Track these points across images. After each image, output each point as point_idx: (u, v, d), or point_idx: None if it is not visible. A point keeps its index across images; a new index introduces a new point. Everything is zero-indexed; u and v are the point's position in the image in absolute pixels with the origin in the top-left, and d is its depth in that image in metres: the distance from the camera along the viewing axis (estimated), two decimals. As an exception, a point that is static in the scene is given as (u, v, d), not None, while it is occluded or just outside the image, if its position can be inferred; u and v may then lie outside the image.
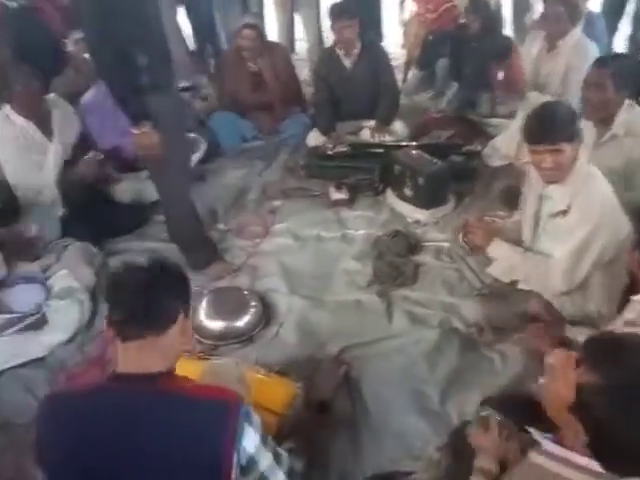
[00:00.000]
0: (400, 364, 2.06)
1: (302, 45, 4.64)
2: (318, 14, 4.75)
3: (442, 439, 1.68)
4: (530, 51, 3.32)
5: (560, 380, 0.99)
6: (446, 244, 2.68)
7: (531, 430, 1.07)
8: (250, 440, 1.15)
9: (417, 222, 2.88)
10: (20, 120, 2.65)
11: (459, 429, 1.46)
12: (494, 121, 3.64)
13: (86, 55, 3.14)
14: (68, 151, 2.77)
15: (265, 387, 1.76)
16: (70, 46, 3.25)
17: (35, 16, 3.51)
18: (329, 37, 4.52)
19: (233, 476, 1.11)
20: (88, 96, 3.08)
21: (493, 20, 3.88)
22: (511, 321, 2.06)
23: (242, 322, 2.22)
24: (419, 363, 2.05)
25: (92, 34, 2.08)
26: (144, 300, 1.15)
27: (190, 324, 1.29)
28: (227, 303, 2.31)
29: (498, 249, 2.18)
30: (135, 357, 1.15)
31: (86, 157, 2.81)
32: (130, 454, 1.10)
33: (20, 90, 2.60)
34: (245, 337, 2.21)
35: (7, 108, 2.64)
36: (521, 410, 1.25)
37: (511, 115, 3.38)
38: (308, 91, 3.98)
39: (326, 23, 4.69)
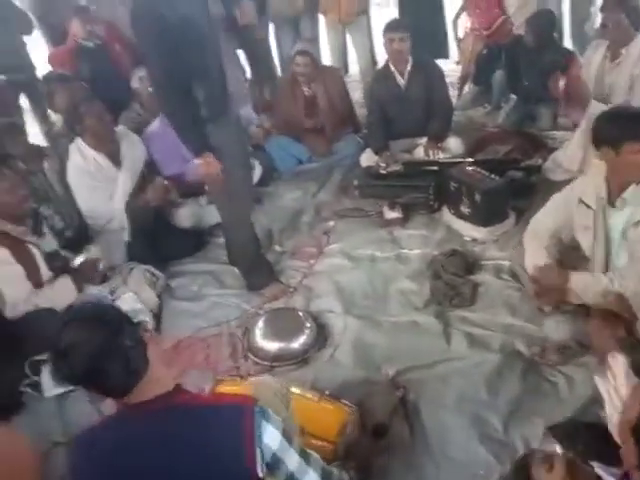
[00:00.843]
0: (459, 388, 1.99)
1: (355, 67, 4.69)
2: (370, 36, 4.80)
3: (505, 468, 1.61)
4: (592, 61, 3.19)
5: (628, 403, 0.92)
6: (506, 262, 2.58)
7: (596, 465, 1.00)
8: (271, 437, 1.16)
9: (475, 240, 2.80)
10: (92, 152, 2.82)
11: (523, 459, 1.39)
12: (555, 134, 3.52)
13: (150, 90, 3.34)
14: (135, 179, 2.92)
15: (317, 415, 1.74)
16: (135, 83, 3.45)
17: (106, 54, 3.76)
18: (382, 60, 4.58)
19: (260, 474, 1.12)
20: (153, 126, 3.24)
21: (552, 31, 3.77)
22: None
23: (297, 343, 2.23)
24: (479, 387, 1.98)
25: (155, 71, 2.19)
26: (103, 376, 1.11)
27: (158, 348, 1.28)
28: (283, 324, 2.33)
29: (581, 280, 1.95)
30: (136, 397, 1.16)
31: (153, 183, 2.94)
32: (161, 473, 1.13)
33: (92, 124, 2.77)
34: (300, 358, 2.21)
35: (79, 141, 2.82)
36: (588, 438, 1.17)
37: (573, 127, 3.25)
38: (361, 112, 4.01)
39: (379, 45, 4.77)
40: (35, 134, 3.90)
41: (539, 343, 2.10)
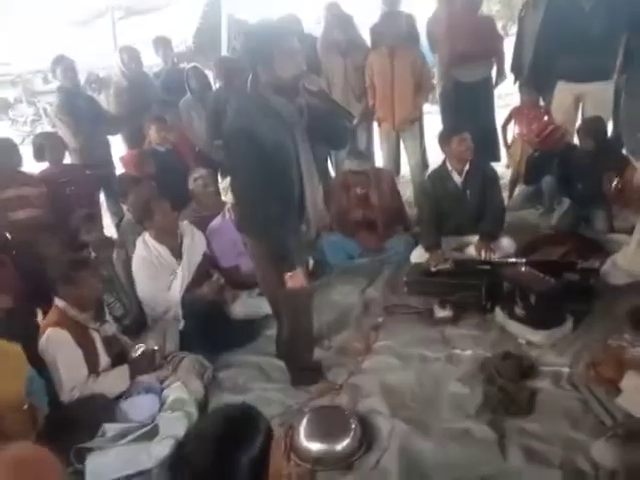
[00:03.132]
0: (516, 507, 1.83)
1: (406, 168, 4.86)
2: (422, 141, 5.02)
3: None
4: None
5: None
6: (565, 369, 2.45)
7: None
8: None
9: (530, 344, 2.69)
10: (156, 245, 3.01)
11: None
12: (612, 237, 3.43)
13: (210, 190, 3.59)
14: (193, 272, 3.06)
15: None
16: (190, 184, 3.71)
17: (175, 157, 4.10)
18: (433, 162, 4.74)
19: None
20: (214, 222, 3.45)
21: (606, 139, 3.81)
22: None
23: (341, 446, 2.14)
24: (539, 508, 1.81)
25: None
26: None
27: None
28: (327, 424, 2.26)
29: (635, 380, 1.92)
30: None
31: (211, 280, 3.09)
32: None
33: (159, 220, 3.00)
34: (344, 463, 2.11)
35: (146, 235, 3.03)
36: None
37: (630, 230, 3.17)
38: (411, 211, 4.10)
39: (430, 147, 4.96)
40: (107, 225, 4.20)
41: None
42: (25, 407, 1.97)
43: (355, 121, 4.25)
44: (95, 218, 3.45)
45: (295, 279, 2.25)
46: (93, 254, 3.27)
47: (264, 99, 2.13)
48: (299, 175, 2.25)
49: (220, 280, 3.13)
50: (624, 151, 3.80)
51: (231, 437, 1.17)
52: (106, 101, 4.84)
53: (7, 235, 3.29)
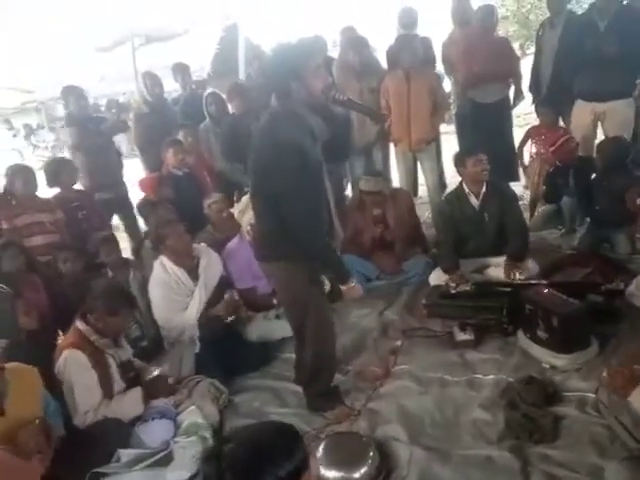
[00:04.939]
0: (542, 540, 1.75)
1: (423, 189, 4.84)
2: (440, 161, 5.00)
3: None
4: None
5: None
6: (591, 395, 2.36)
7: None
8: None
9: (554, 368, 2.61)
10: (173, 267, 3.01)
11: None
12: (636, 257, 3.35)
13: (224, 214, 3.60)
14: (209, 294, 3.05)
15: None
16: (205, 209, 3.71)
17: (192, 181, 4.14)
18: (451, 182, 4.71)
19: None
20: (231, 243, 3.45)
21: (624, 157, 3.76)
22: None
23: (359, 473, 2.08)
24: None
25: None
26: None
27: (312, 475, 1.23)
28: (344, 451, 2.20)
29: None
30: None
31: (225, 297, 3.05)
32: None
33: (173, 243, 3.01)
34: (362, 491, 2.05)
35: (164, 258, 3.04)
36: None
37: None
38: (429, 233, 4.06)
39: (447, 168, 4.93)
40: (124, 248, 4.23)
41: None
42: (37, 422, 1.97)
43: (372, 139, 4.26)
44: (112, 240, 3.48)
45: (354, 290, 2.33)
46: (110, 274, 3.31)
47: (299, 116, 2.16)
48: (325, 193, 2.29)
49: (236, 299, 3.10)
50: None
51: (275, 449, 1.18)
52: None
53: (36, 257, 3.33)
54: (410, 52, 4.23)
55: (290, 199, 2.13)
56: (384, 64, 4.67)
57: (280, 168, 2.10)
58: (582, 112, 4.17)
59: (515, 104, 4.72)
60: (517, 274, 3.29)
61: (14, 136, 13.69)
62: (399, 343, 3.04)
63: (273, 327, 3.24)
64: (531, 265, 3.42)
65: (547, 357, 2.66)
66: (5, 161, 6.00)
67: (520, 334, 2.87)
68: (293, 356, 2.77)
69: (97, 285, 2.75)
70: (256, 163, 2.25)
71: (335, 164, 3.93)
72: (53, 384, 2.33)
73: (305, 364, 2.56)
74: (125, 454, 2.24)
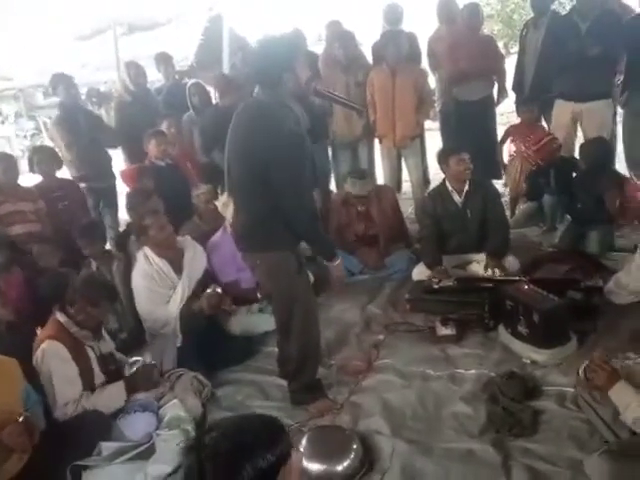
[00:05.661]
0: (522, 532, 1.78)
1: (407, 185, 4.86)
2: (424, 158, 5.03)
3: None
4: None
5: None
6: (570, 389, 2.40)
7: None
8: None
9: (534, 363, 2.65)
10: (156, 259, 2.97)
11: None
12: (615, 255, 3.42)
13: (211, 205, 3.57)
14: (193, 287, 3.01)
15: None
16: (194, 199, 3.70)
17: (176, 172, 4.08)
18: (434, 178, 4.74)
19: None
20: (214, 237, 3.42)
21: (607, 159, 3.83)
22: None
23: (342, 466, 2.09)
24: (545, 533, 1.76)
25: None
26: None
27: (296, 470, 1.21)
28: (327, 444, 2.21)
29: (621, 393, 1.90)
30: None
31: (208, 291, 3.02)
32: None
33: (154, 235, 2.96)
34: (344, 484, 2.06)
35: (147, 249, 2.99)
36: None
37: (633, 249, 3.15)
38: (412, 228, 4.08)
39: (431, 165, 4.96)
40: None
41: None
42: (21, 419, 1.93)
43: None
44: (94, 230, 3.42)
45: (338, 268, 2.38)
46: (94, 265, 3.26)
47: (287, 106, 2.21)
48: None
49: (219, 292, 3.08)
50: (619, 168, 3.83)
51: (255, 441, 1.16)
52: (106, 115, 4.85)
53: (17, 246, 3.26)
54: (395, 48, 4.24)
55: (289, 185, 2.17)
56: (370, 59, 4.67)
57: (283, 155, 2.12)
58: (562, 112, 4.24)
59: (499, 102, 4.76)
60: (497, 270, 3.33)
61: (2, 123, 13.32)
62: (382, 337, 3.06)
63: (256, 321, 3.23)
64: (512, 262, 3.47)
65: (527, 352, 2.70)
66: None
67: (501, 329, 2.90)
68: (276, 350, 2.76)
69: (78, 276, 2.70)
70: (243, 151, 2.24)
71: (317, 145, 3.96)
72: (33, 376, 2.29)
73: (290, 357, 2.56)
74: (106, 447, 2.20)
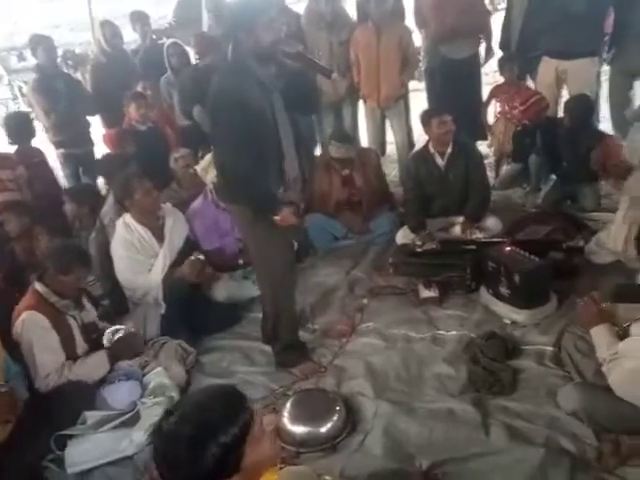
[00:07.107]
0: (499, 486, 1.83)
1: (392, 147, 4.80)
2: (408, 119, 4.94)
3: None
4: (635, 143, 3.15)
5: None
6: (549, 348, 2.46)
7: None
8: None
9: (515, 323, 2.69)
10: (137, 226, 2.92)
11: None
12: (596, 215, 3.43)
13: (191, 170, 3.51)
14: (174, 255, 2.98)
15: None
16: (172, 163, 3.63)
17: (155, 136, 3.99)
18: (419, 140, 4.68)
19: None
20: (195, 204, 3.36)
21: (590, 115, 3.80)
22: (619, 421, 1.84)
23: (325, 428, 2.13)
24: (521, 486, 1.82)
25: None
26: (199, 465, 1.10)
27: (262, 434, 1.21)
28: (311, 406, 2.24)
29: (602, 333, 1.99)
30: None
31: (190, 259, 2.98)
32: None
33: (141, 199, 2.89)
34: (328, 445, 2.10)
35: (127, 216, 2.94)
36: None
37: (616, 209, 3.16)
38: (396, 191, 4.05)
39: (416, 126, 4.89)
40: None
41: (589, 441, 1.94)
42: (3, 390, 1.93)
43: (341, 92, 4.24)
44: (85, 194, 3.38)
45: (285, 217, 2.28)
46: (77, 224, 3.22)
47: (247, 67, 2.19)
48: (278, 141, 2.29)
49: (201, 259, 3.05)
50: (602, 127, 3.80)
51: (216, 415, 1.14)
52: (82, 78, 4.69)
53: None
54: (380, 4, 4.11)
55: (222, 143, 2.27)
56: (354, 17, 4.53)
57: (217, 114, 2.22)
58: (547, 69, 4.17)
59: (486, 60, 4.66)
60: (476, 233, 3.34)
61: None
62: (365, 301, 3.07)
63: (240, 287, 3.22)
64: (492, 223, 3.47)
65: (508, 313, 2.74)
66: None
67: (483, 291, 2.93)
68: (260, 316, 2.77)
69: (50, 245, 2.67)
70: (210, 107, 2.30)
71: (301, 113, 3.87)
72: (13, 347, 2.28)
73: (268, 318, 2.58)
74: (91, 416, 2.22)
